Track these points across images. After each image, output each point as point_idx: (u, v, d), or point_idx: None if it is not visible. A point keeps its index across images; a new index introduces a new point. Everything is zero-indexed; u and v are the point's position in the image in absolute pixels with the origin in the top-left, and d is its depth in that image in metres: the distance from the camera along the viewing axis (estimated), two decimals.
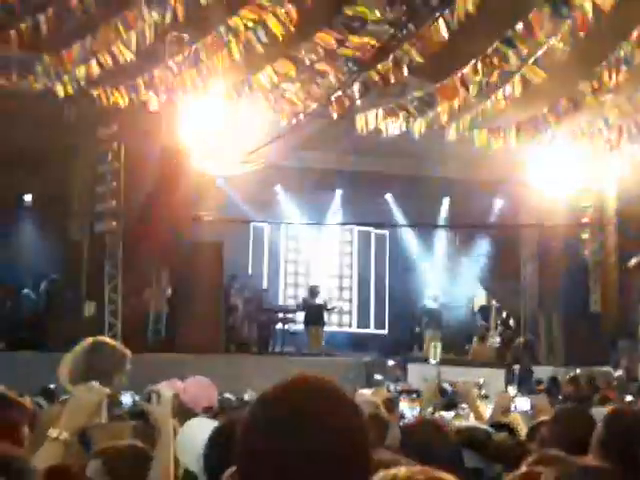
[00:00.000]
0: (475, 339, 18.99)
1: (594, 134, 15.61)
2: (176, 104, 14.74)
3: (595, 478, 2.19)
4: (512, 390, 5.88)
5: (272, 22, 12.22)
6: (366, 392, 7.76)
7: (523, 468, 3.72)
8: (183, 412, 4.65)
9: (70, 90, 14.06)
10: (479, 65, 13.29)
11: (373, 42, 12.94)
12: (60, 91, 13.96)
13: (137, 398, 2.91)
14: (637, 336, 18.88)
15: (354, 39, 13.09)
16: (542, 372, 16.63)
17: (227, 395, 9.35)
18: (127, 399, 3.10)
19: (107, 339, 4.07)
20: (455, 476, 3.13)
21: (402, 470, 1.44)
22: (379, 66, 13.74)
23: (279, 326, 18.01)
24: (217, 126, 15.43)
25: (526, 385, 15.95)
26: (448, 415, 6.55)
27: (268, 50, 13.60)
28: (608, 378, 16.70)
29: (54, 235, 16.62)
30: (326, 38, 13.12)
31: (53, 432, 2.68)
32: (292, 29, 12.48)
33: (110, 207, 15.48)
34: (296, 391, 1.41)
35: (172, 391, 4.72)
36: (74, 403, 2.81)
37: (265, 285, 18.74)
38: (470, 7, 11.51)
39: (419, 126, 15.67)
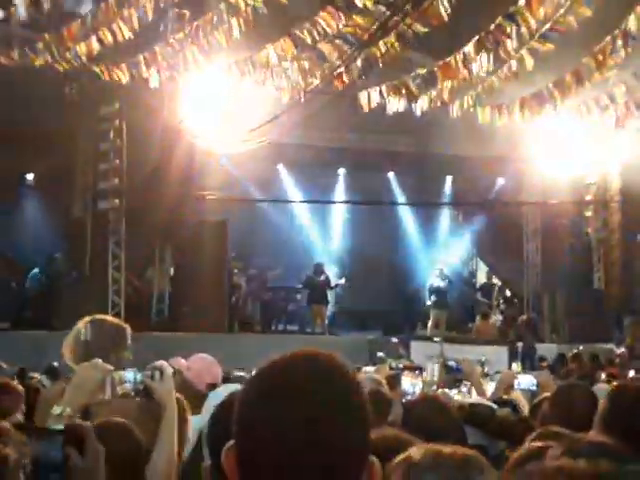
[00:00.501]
0: (478, 317, 19.01)
1: (599, 110, 15.48)
2: (178, 81, 14.68)
3: (600, 453, 2.18)
4: (515, 367, 5.87)
5: None
6: (369, 369, 7.78)
7: (526, 444, 3.73)
8: (187, 389, 4.65)
9: (71, 68, 14.01)
10: (481, 42, 13.18)
11: (372, 21, 12.81)
12: (61, 68, 13.90)
13: (140, 375, 2.90)
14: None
15: (356, 18, 12.99)
16: (545, 350, 16.65)
17: (238, 373, 9.36)
18: (130, 376, 3.09)
19: (106, 316, 4.07)
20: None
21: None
22: (381, 43, 13.63)
23: (282, 304, 18.03)
24: (219, 103, 15.37)
25: (529, 362, 15.99)
26: (451, 392, 6.56)
27: (269, 28, 13.52)
28: (611, 355, 16.74)
29: (57, 213, 16.62)
30: (327, 17, 13.03)
31: (56, 409, 2.69)
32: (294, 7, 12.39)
33: (113, 185, 15.44)
34: (292, 364, 1.39)
35: (174, 368, 4.76)
36: (77, 380, 2.82)
37: (268, 264, 18.72)
38: None
39: (422, 103, 15.59)
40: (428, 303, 17.80)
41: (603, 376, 11.42)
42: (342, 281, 18.42)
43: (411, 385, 4.62)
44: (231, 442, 1.36)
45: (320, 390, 1.33)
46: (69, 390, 2.78)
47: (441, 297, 17.56)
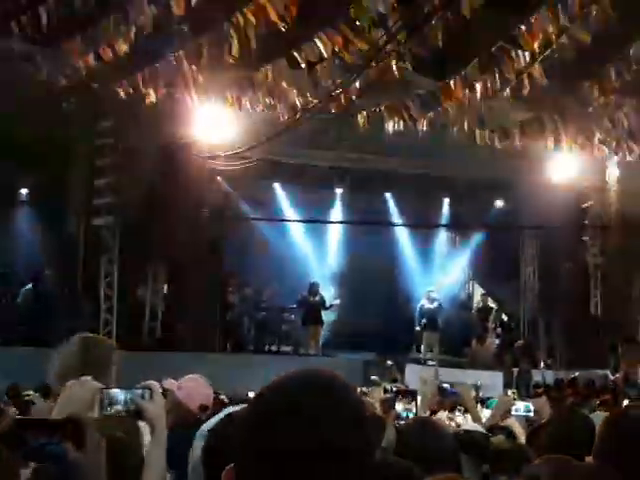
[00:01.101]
0: (474, 341, 18.89)
1: (599, 136, 15.47)
2: (176, 98, 14.62)
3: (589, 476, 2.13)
4: (511, 394, 5.78)
5: (273, 16, 12.05)
6: (363, 391, 7.65)
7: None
8: (178, 409, 4.57)
9: (70, 83, 13.97)
10: (482, 65, 13.15)
11: (371, 44, 12.78)
12: (60, 83, 13.86)
13: (130, 394, 2.81)
14: (636, 340, 18.80)
15: (357, 41, 12.97)
16: (541, 375, 16.54)
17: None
18: (120, 395, 2.98)
19: (95, 335, 4.00)
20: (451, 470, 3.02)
21: None
22: (380, 64, 13.61)
23: (276, 324, 17.88)
24: (217, 121, 15.33)
25: (524, 388, 15.86)
26: (444, 416, 6.44)
27: (269, 47, 13.49)
28: (607, 382, 16.62)
29: (50, 229, 16.49)
30: (327, 40, 13.01)
31: None
32: (292, 27, 12.34)
33: (108, 201, 15.33)
34: (294, 385, 1.33)
35: (164, 389, 4.66)
36: (65, 398, 2.77)
37: (263, 283, 18.60)
38: (475, 4, 11.33)
39: (421, 124, 15.58)
40: (417, 328, 17.68)
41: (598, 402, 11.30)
42: (337, 302, 18.30)
43: (405, 410, 4.51)
44: (230, 466, 1.32)
45: (322, 416, 1.27)
46: (57, 408, 2.71)
47: (431, 320, 17.43)
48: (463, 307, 21.05)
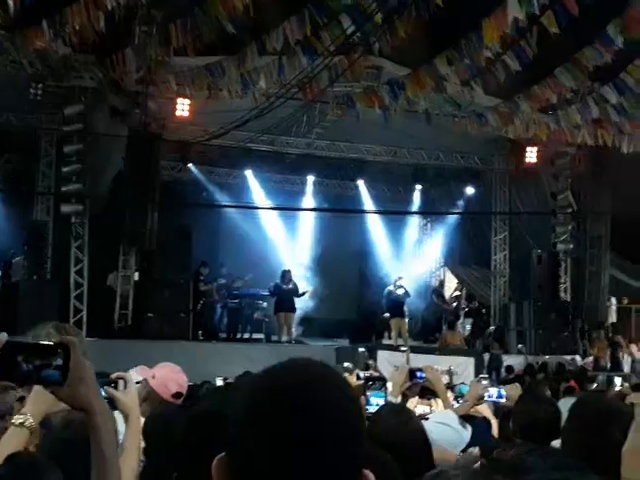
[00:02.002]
0: (445, 327, 18.99)
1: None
2: (146, 84, 14.47)
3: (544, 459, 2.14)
4: (484, 380, 5.78)
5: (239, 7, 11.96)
6: None
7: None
8: (152, 398, 4.54)
9: (37, 68, 13.79)
10: (452, 54, 13.18)
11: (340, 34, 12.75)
12: (27, 69, 13.67)
13: (102, 385, 2.77)
14: (606, 325, 19.02)
15: (325, 32, 12.95)
16: (512, 361, 16.66)
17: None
18: None
19: (64, 323, 3.93)
20: (422, 461, 3.03)
21: None
22: (350, 53, 13.61)
23: (249, 312, 17.81)
24: (188, 107, 15.21)
25: (495, 373, 15.98)
26: (415, 401, 6.44)
27: (239, 35, 13.42)
28: (576, 366, 16.80)
29: (19, 217, 16.28)
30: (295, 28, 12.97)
31: (18, 418, 2.61)
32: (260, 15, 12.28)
33: (76, 189, 15.14)
34: (293, 376, 1.35)
35: (139, 377, 4.64)
36: (38, 389, 2.72)
37: (236, 272, 18.51)
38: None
39: (392, 111, 15.58)
40: (386, 314, 17.72)
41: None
42: (310, 289, 18.28)
43: (374, 396, 4.50)
44: (222, 455, 1.33)
45: (322, 407, 1.30)
46: (30, 399, 2.68)
47: (398, 306, 17.46)
48: (434, 293, 21.13)
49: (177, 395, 4.74)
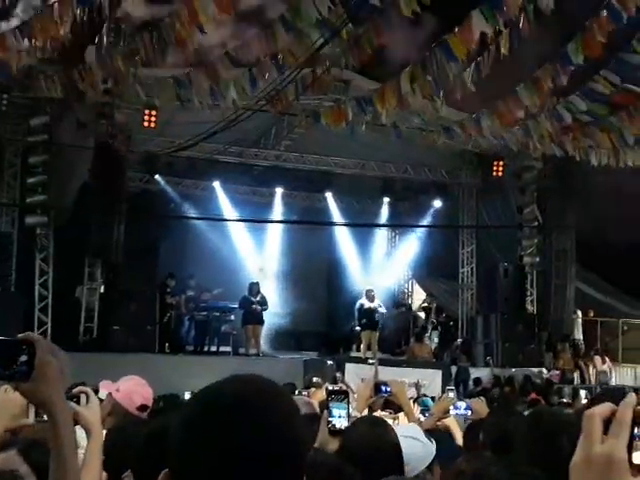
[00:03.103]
0: (412, 339, 19.02)
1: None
2: (112, 94, 14.39)
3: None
4: (452, 393, 5.79)
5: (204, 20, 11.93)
6: (304, 393, 7.62)
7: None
8: (117, 411, 4.52)
9: (1, 79, 13.64)
10: (416, 69, 13.25)
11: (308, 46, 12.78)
12: None
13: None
14: (572, 338, 19.18)
15: (293, 45, 12.98)
16: (479, 373, 16.74)
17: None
18: None
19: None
20: (394, 473, 3.02)
21: None
22: (316, 66, 13.65)
23: (216, 325, 17.69)
24: (155, 119, 15.12)
25: (463, 386, 16.03)
26: (381, 415, 6.42)
27: (207, 48, 13.42)
28: (542, 380, 16.92)
29: None
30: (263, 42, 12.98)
31: None
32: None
33: (41, 200, 14.98)
34: (229, 390, 1.37)
35: (104, 393, 4.58)
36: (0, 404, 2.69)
37: (202, 283, 18.40)
38: (414, 8, 11.36)
39: (360, 125, 15.63)
40: (357, 327, 17.69)
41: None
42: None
43: (336, 408, 4.48)
44: (165, 471, 1.35)
45: (256, 419, 1.31)
46: None
47: (370, 318, 17.44)
48: (401, 306, 21.19)
49: (142, 408, 4.70)
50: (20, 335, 1.75)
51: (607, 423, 1.14)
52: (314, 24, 12.28)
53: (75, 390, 2.81)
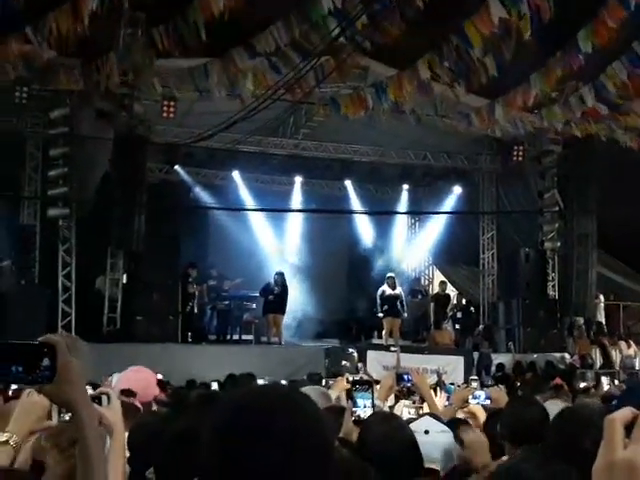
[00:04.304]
0: (433, 326, 19.01)
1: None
2: (131, 86, 14.44)
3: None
4: (474, 382, 5.82)
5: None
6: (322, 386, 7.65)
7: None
8: (130, 413, 4.57)
9: (22, 73, 13.73)
10: (432, 58, 13.22)
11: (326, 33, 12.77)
12: (11, 74, 13.62)
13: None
14: (592, 323, 19.09)
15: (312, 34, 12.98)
16: (501, 359, 16.70)
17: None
18: None
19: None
20: (411, 470, 3.04)
21: None
22: (337, 54, 13.63)
23: (238, 314, 17.77)
24: (174, 108, 15.16)
25: (485, 372, 16.01)
26: (402, 404, 6.45)
27: (226, 38, 13.42)
28: (565, 364, 16.87)
29: (6, 221, 16.19)
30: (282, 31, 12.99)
31: (2, 436, 2.61)
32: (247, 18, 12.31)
33: (62, 192, 15.09)
34: (258, 401, 1.42)
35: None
36: (23, 406, 2.74)
37: (223, 273, 18.49)
38: None
39: (379, 113, 15.60)
40: (380, 313, 17.69)
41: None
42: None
43: (361, 398, 4.52)
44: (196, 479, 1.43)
45: (280, 424, 1.36)
46: (15, 416, 2.70)
47: (392, 305, 17.43)
48: (422, 293, 21.16)
49: (126, 392, 4.71)
50: (41, 338, 1.77)
51: (629, 428, 1.14)
52: (329, 14, 12.29)
53: (96, 391, 2.85)
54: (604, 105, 14.68)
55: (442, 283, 20.08)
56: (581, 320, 18.69)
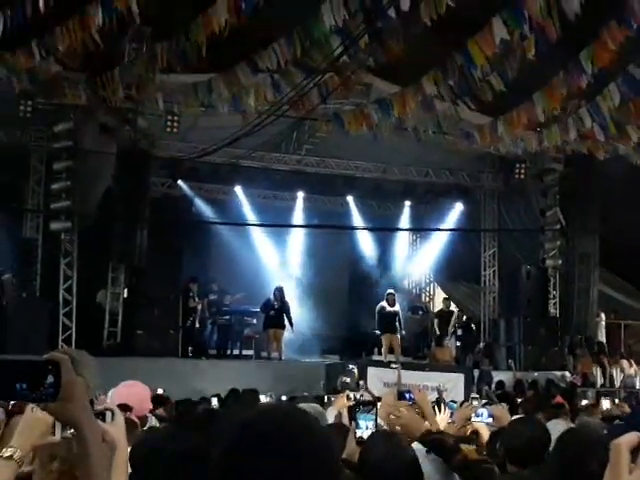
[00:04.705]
0: (433, 343, 18.98)
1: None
2: (135, 100, 14.50)
3: None
4: (475, 400, 5.79)
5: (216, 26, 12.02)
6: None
7: None
8: (130, 431, 4.55)
9: (26, 86, 13.79)
10: (436, 75, 13.27)
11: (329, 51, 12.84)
12: (16, 87, 13.68)
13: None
14: (594, 341, 19.05)
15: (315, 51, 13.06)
16: (501, 376, 16.65)
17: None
18: None
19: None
20: None
21: None
22: (341, 71, 13.70)
23: (239, 329, 17.75)
24: (178, 123, 15.21)
25: (485, 389, 15.95)
26: None
27: (229, 54, 13.49)
28: (565, 383, 16.82)
29: (8, 234, 16.22)
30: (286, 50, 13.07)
31: (6, 451, 2.54)
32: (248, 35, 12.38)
33: (65, 205, 15.12)
34: (268, 423, 1.44)
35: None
36: (27, 421, 2.72)
37: (225, 287, 18.48)
38: (434, 14, 11.35)
39: (382, 129, 15.65)
40: (377, 331, 17.67)
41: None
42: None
43: (363, 418, 4.50)
44: None
45: (290, 445, 1.38)
46: (19, 431, 2.67)
47: (390, 322, 17.42)
48: (423, 309, 21.14)
49: (123, 407, 4.72)
50: (45, 355, 1.78)
51: (635, 452, 1.15)
52: (331, 32, 12.37)
53: (100, 407, 2.86)
54: (600, 129, 14.76)
55: (446, 300, 20.06)
56: (583, 338, 18.67)
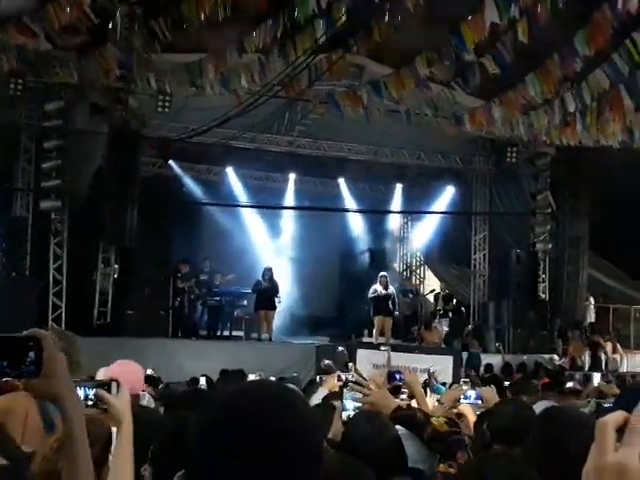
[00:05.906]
0: (422, 325, 19.03)
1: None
2: (127, 80, 14.42)
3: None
4: (465, 386, 5.83)
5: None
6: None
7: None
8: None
9: (17, 65, 13.69)
10: (431, 56, 13.23)
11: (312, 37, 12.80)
12: (5, 65, 13.58)
13: (93, 390, 2.71)
14: (583, 325, 19.16)
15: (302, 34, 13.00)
16: (490, 359, 16.73)
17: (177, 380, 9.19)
18: (81, 391, 2.91)
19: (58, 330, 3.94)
20: (396, 469, 3.06)
21: None
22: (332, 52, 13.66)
23: (229, 310, 17.75)
24: (170, 103, 15.14)
25: (475, 372, 16.03)
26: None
27: (222, 33, 13.43)
28: (554, 366, 16.92)
29: None
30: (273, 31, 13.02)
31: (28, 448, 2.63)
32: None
33: (55, 185, 15.05)
34: (246, 398, 1.42)
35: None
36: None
37: (214, 268, 18.46)
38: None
39: (375, 111, 15.62)
40: (371, 313, 17.68)
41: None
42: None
43: (351, 399, 4.52)
44: (182, 472, 1.46)
45: (268, 420, 1.36)
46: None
47: (383, 304, 17.43)
48: (413, 291, 21.19)
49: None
50: (26, 332, 1.75)
51: (620, 431, 1.14)
52: (311, 18, 12.32)
53: (100, 380, 2.77)
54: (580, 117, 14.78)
55: (435, 280, 20.14)
56: (572, 321, 18.77)
